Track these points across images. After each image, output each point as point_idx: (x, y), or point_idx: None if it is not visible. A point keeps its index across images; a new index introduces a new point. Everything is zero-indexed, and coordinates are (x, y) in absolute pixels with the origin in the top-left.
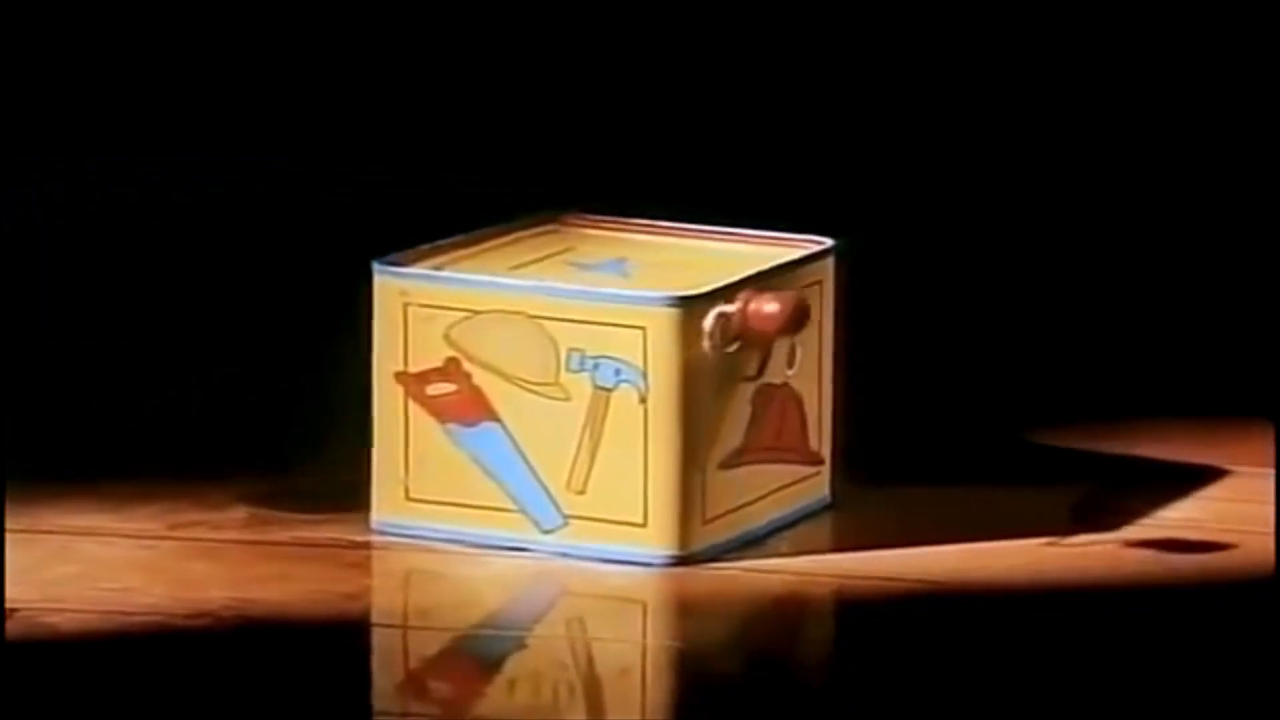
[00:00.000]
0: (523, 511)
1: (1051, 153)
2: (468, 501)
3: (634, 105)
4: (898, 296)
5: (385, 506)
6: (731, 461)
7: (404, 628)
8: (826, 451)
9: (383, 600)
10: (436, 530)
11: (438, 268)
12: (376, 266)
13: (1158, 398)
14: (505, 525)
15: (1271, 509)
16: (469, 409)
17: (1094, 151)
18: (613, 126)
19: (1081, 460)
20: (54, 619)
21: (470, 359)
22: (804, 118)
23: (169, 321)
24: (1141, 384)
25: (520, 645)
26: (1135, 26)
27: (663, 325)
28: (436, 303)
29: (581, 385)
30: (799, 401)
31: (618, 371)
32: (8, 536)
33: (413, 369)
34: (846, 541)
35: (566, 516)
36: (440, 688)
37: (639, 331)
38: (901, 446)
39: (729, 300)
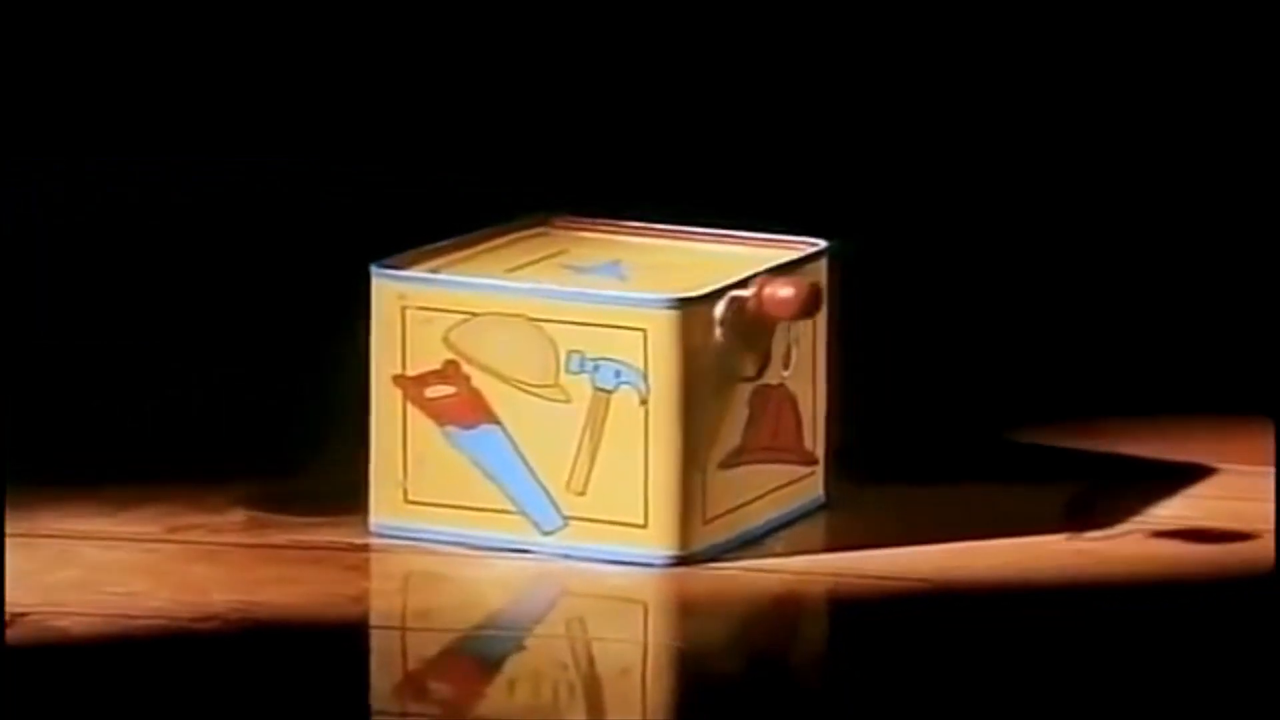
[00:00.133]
0: (522, 513)
1: (1043, 151)
2: (467, 504)
3: (632, 105)
4: (890, 298)
5: (384, 509)
6: (731, 462)
7: (403, 629)
8: (821, 452)
9: (382, 602)
10: (435, 533)
11: (434, 271)
12: (374, 270)
13: (1151, 396)
14: (505, 527)
15: (1266, 505)
16: (468, 411)
17: (1086, 149)
18: (609, 127)
19: (1075, 459)
20: (63, 623)
21: (469, 361)
22: (797, 120)
23: (169, 321)
24: (1134, 383)
25: (520, 645)
26: (1132, 27)
27: (663, 327)
28: (435, 305)
29: (581, 387)
30: (794, 402)
31: (618, 373)
32: (7, 540)
33: (411, 372)
34: (842, 541)
35: (566, 518)
36: (440, 688)
37: (639, 333)
38: (895, 446)
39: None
